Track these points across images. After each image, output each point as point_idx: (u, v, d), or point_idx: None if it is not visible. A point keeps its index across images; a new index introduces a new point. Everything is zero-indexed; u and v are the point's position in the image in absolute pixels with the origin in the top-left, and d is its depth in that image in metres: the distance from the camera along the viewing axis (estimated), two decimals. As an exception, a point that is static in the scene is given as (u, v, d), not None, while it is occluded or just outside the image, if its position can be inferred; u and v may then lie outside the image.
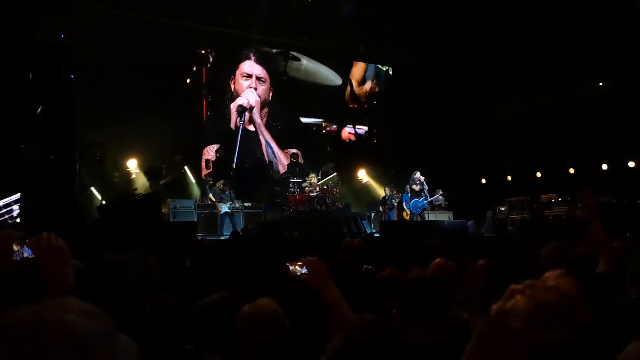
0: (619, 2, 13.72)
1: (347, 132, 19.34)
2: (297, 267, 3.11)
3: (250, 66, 17.38)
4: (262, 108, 17.55)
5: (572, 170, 15.49)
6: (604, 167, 14.89)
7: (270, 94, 17.76)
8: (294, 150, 17.47)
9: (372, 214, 15.82)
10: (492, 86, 16.45)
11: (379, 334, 2.14)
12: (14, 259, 3.25)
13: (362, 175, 18.32)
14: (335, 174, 16.80)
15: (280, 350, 2.09)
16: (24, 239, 2.08)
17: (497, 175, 17.34)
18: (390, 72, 20.04)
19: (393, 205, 15.51)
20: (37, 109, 10.71)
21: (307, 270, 2.65)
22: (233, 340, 2.10)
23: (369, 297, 2.69)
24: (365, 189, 18.34)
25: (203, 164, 16.30)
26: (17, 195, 9.46)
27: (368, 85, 19.88)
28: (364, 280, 2.76)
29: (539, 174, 16.44)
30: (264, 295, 2.24)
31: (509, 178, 17.20)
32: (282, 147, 17.76)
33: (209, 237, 10.69)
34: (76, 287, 1.80)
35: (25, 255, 3.08)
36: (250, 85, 17.21)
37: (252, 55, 17.37)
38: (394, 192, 15.71)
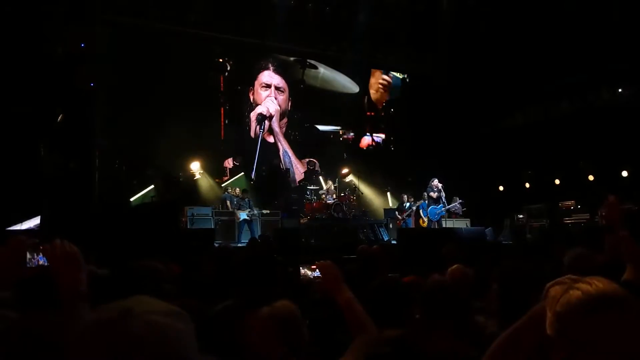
0: (637, 7, 13.60)
1: (366, 140, 19.34)
2: (310, 270, 3.14)
3: (269, 76, 17.47)
4: (281, 118, 17.64)
5: (591, 178, 15.33)
6: (624, 174, 14.72)
7: (290, 104, 17.85)
8: (311, 159, 17.48)
9: (389, 222, 15.78)
10: (510, 93, 16.37)
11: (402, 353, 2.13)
12: (29, 266, 3.30)
13: (379, 182, 18.28)
14: (352, 179, 16.82)
15: (298, 351, 2.12)
16: (38, 246, 2.11)
17: (516, 182, 17.21)
18: (407, 80, 20.01)
19: (411, 213, 15.46)
20: (58, 118, 10.87)
21: (321, 274, 2.67)
22: (244, 344, 2.12)
23: (390, 304, 2.69)
24: (382, 196, 18.30)
25: (222, 172, 16.38)
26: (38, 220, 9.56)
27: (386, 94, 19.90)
28: (384, 287, 2.76)
29: (557, 181, 16.29)
30: (268, 301, 2.27)
31: (527, 185, 17.06)
32: (300, 155, 17.82)
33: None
34: (94, 292, 1.82)
35: (41, 262, 3.11)
36: (269, 95, 17.30)
37: (270, 65, 17.47)
38: (412, 200, 15.67)
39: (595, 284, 1.29)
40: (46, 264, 2.01)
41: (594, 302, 1.25)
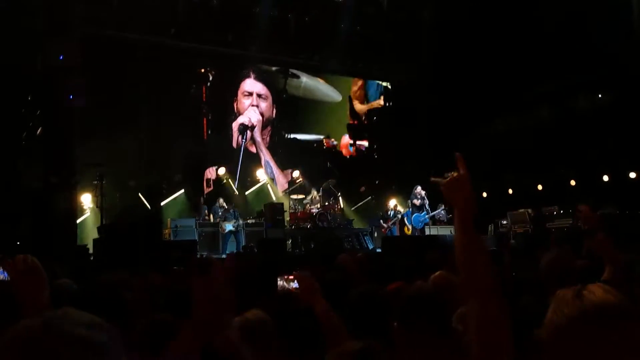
0: (615, 14, 13.81)
1: (348, 148, 19.37)
2: (287, 282, 3.11)
3: (250, 84, 17.46)
4: (265, 126, 17.61)
5: (573, 183, 15.46)
6: (605, 178, 14.86)
7: (274, 111, 17.83)
8: (294, 170, 17.41)
9: (374, 230, 15.77)
10: (491, 100, 16.47)
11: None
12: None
13: (363, 190, 18.29)
14: (337, 189, 16.83)
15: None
16: (0, 260, 2.06)
17: (499, 188, 17.30)
18: (390, 87, 20.07)
19: (396, 221, 15.46)
20: (37, 131, 10.74)
21: (298, 285, 2.68)
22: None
23: (369, 314, 2.66)
24: (366, 204, 18.30)
25: (204, 183, 16.29)
26: None
27: (367, 102, 19.97)
28: (362, 296, 2.74)
29: (540, 187, 16.40)
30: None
31: (510, 191, 17.16)
32: (282, 164, 17.79)
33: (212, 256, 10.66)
34: (67, 305, 1.78)
35: (1, 277, 3.04)
36: (252, 104, 17.28)
37: (252, 73, 17.45)
38: (397, 208, 15.68)
39: (597, 293, 1.28)
40: (7, 278, 1.96)
41: (594, 311, 1.24)
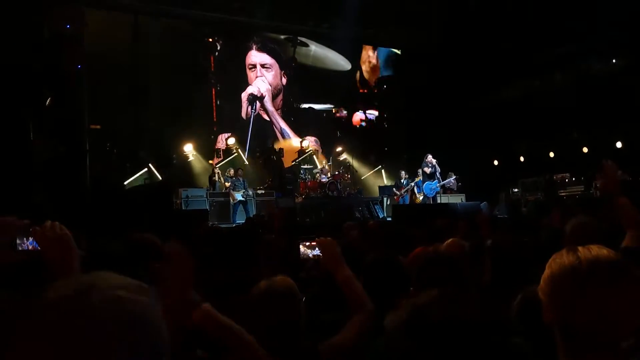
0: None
1: (358, 117, 19.24)
2: (309, 249, 3.10)
3: (253, 56, 17.31)
4: (276, 95, 17.51)
5: (585, 149, 15.30)
6: (618, 145, 14.68)
7: (284, 80, 17.68)
8: (304, 139, 17.34)
9: (385, 199, 15.75)
10: (502, 66, 16.23)
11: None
12: (19, 249, 3.20)
13: (373, 160, 18.22)
14: (346, 157, 16.79)
15: (293, 327, 2.10)
16: (28, 228, 2.03)
17: (510, 156, 17.17)
18: (400, 54, 19.82)
19: (409, 189, 15.41)
20: (46, 101, 10.71)
21: (321, 251, 2.66)
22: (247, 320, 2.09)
23: (384, 281, 2.65)
24: (376, 173, 18.25)
25: (214, 153, 16.28)
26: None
27: (377, 69, 19.75)
28: (377, 264, 2.72)
29: (552, 154, 16.26)
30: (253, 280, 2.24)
31: (522, 159, 17.03)
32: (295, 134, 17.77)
33: (222, 225, 10.69)
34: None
35: (31, 247, 3.02)
36: (257, 75, 17.15)
37: (253, 44, 17.28)
38: (409, 177, 15.64)
39: (593, 250, 1.33)
40: (37, 247, 1.94)
41: (586, 267, 1.28)
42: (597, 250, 1.32)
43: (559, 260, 1.34)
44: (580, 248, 1.34)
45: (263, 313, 2.11)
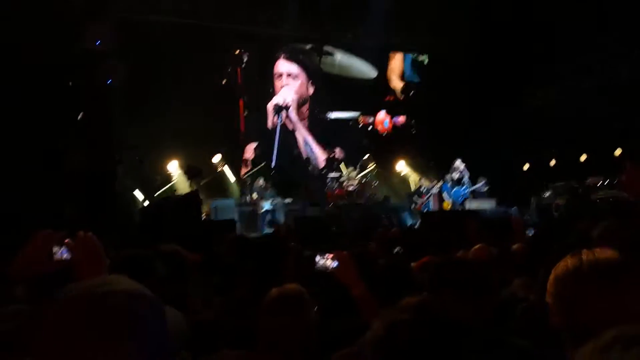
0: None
1: (385, 124, 19.18)
2: (326, 260, 3.11)
3: (281, 65, 17.44)
4: (302, 104, 17.59)
5: (617, 153, 15.00)
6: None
7: (311, 90, 17.77)
8: (331, 148, 17.37)
9: (413, 206, 15.67)
10: (532, 71, 16.05)
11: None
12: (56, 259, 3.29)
13: (401, 167, 18.14)
14: (374, 166, 16.74)
15: (304, 334, 2.10)
16: (63, 239, 2.10)
17: (540, 160, 16.93)
18: (426, 62, 19.73)
19: (430, 196, 15.31)
20: (78, 116, 10.96)
21: (337, 264, 2.68)
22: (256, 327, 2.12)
23: (392, 286, 2.65)
24: (404, 181, 18.17)
25: (242, 163, 16.41)
26: None
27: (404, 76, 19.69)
28: (387, 270, 2.73)
29: (583, 158, 15.98)
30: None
31: (552, 163, 16.78)
32: (319, 142, 17.78)
33: (250, 235, 10.77)
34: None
35: (64, 256, 3.08)
36: (282, 84, 17.27)
37: (282, 54, 17.41)
38: (429, 183, 15.53)
39: (596, 253, 1.36)
40: (68, 257, 2.00)
41: (587, 268, 1.32)
42: (599, 253, 1.35)
43: (563, 263, 1.38)
44: (584, 251, 1.37)
45: (274, 317, 2.12)
